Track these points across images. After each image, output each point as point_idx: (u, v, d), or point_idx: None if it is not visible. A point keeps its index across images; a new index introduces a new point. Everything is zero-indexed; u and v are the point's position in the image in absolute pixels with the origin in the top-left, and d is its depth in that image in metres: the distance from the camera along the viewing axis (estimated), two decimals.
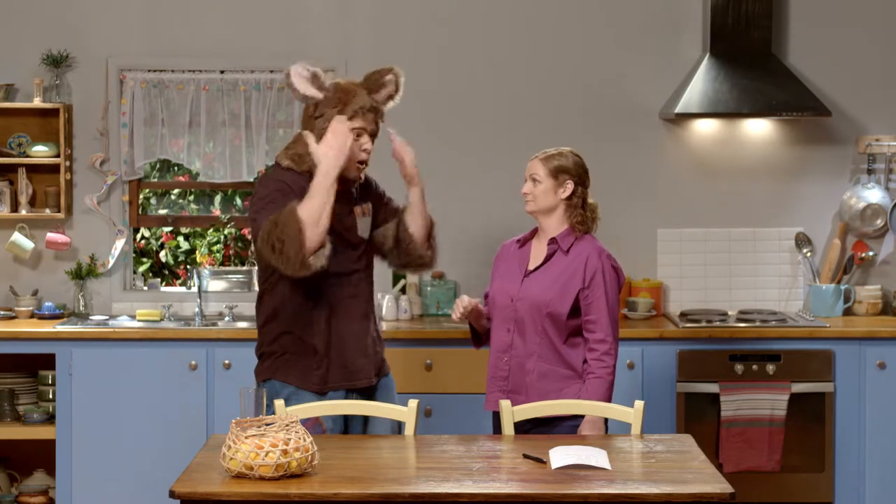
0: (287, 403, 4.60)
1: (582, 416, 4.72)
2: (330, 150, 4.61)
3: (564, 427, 4.75)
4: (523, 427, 4.69)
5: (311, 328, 4.79)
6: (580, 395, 4.78)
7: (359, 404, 4.64)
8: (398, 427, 4.83)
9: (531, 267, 4.91)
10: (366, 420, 4.84)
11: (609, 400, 4.75)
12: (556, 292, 4.81)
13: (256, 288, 5.93)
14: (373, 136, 4.80)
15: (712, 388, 6.14)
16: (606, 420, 4.77)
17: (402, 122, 6.63)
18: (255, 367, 4.91)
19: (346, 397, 4.79)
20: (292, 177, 4.75)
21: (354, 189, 4.87)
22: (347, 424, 4.82)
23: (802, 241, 6.70)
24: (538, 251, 4.94)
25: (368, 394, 4.86)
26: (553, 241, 4.89)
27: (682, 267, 6.76)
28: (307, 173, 4.71)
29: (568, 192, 4.88)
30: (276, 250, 4.54)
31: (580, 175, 4.89)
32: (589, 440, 4.49)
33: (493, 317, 4.94)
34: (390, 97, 4.86)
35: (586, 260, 4.83)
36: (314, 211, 4.54)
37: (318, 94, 4.74)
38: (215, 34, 6.68)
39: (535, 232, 4.99)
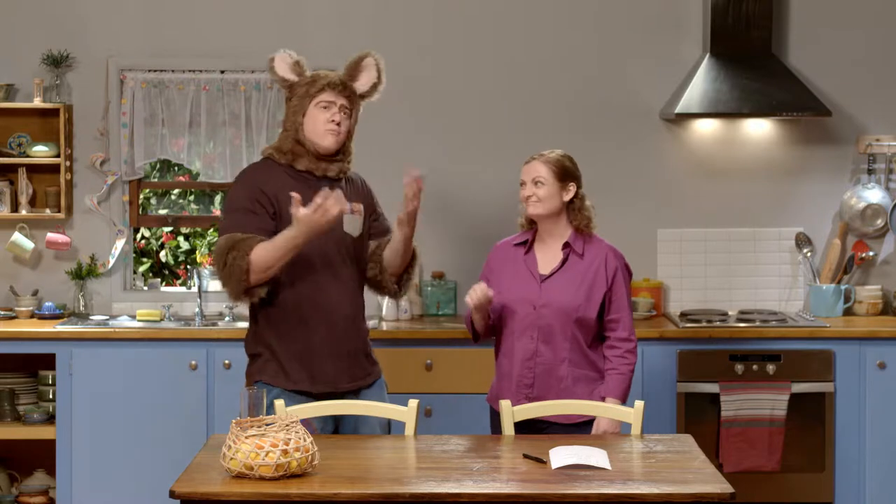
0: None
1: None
2: (311, 220, 4.57)
3: (590, 430, 4.76)
4: (538, 428, 4.71)
5: (283, 332, 4.80)
6: (598, 390, 4.80)
7: (357, 404, 4.64)
8: (387, 427, 4.83)
9: (544, 272, 4.89)
10: (356, 420, 4.83)
11: (627, 396, 4.81)
12: (583, 297, 4.82)
13: None
14: (343, 111, 4.80)
15: (712, 388, 6.14)
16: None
17: (402, 122, 6.66)
18: (246, 369, 4.94)
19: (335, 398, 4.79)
20: (266, 169, 4.80)
21: (341, 185, 4.87)
22: (338, 424, 4.82)
23: (802, 241, 6.70)
24: (547, 255, 4.92)
25: (358, 396, 4.86)
26: (567, 245, 4.89)
27: (682, 267, 6.76)
28: (287, 163, 4.80)
29: (571, 195, 4.89)
30: (220, 274, 4.70)
31: (579, 178, 4.92)
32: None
33: (513, 325, 4.89)
34: (374, 86, 4.88)
35: (605, 261, 4.85)
36: (265, 262, 4.64)
37: (294, 78, 4.79)
38: (215, 34, 6.69)
39: (533, 235, 4.98)
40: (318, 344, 4.79)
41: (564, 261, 4.87)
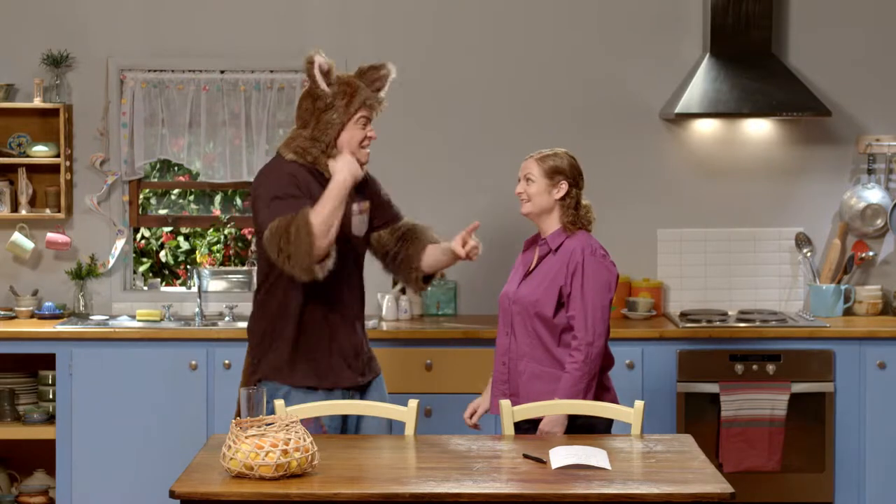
0: (286, 403, 4.61)
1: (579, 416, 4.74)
2: (347, 164, 4.70)
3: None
4: (522, 428, 4.69)
5: (292, 328, 4.81)
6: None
7: (359, 404, 4.65)
8: (390, 426, 4.85)
9: (530, 270, 4.91)
10: (359, 418, 4.85)
11: (581, 396, 4.68)
12: (542, 292, 4.80)
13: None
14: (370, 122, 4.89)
15: (712, 388, 6.14)
16: (613, 421, 4.74)
17: (402, 122, 6.66)
18: (247, 367, 4.92)
19: (343, 396, 4.81)
20: (296, 168, 4.78)
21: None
22: (345, 423, 4.85)
23: (802, 241, 6.70)
24: (537, 253, 4.93)
25: (360, 394, 4.90)
26: (543, 242, 4.88)
27: (682, 267, 6.76)
28: (311, 166, 4.77)
29: (562, 193, 4.85)
30: (283, 255, 4.60)
31: (574, 176, 4.87)
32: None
33: (498, 321, 4.96)
34: (378, 90, 4.91)
35: (570, 257, 4.79)
36: (326, 220, 4.60)
37: (328, 90, 4.78)
38: (215, 34, 6.69)
39: (538, 236, 4.98)
40: (329, 343, 4.81)
41: (541, 258, 4.87)
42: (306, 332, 4.81)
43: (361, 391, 4.90)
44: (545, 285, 4.80)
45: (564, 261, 4.79)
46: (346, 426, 4.85)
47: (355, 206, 4.87)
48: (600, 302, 4.76)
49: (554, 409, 4.66)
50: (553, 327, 4.79)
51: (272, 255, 4.62)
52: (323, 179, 4.78)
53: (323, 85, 4.79)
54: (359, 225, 4.89)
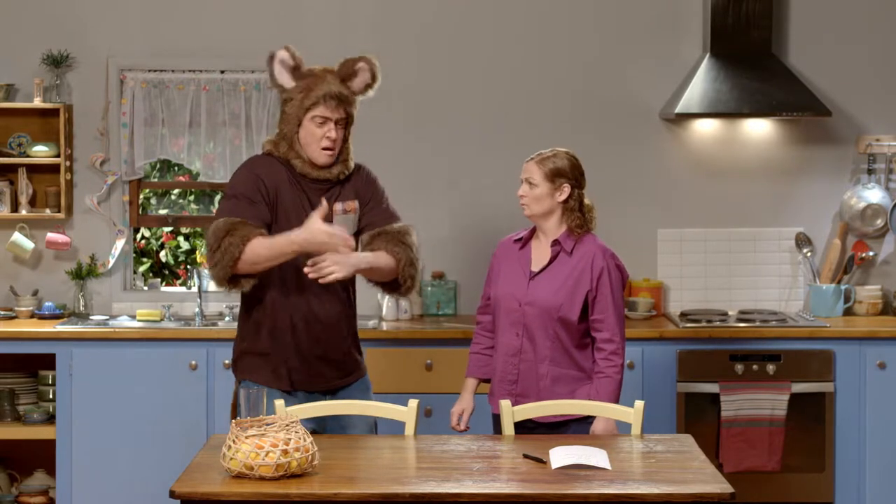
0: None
1: (586, 417, 4.74)
2: (312, 239, 4.57)
3: (572, 429, 4.75)
4: (530, 429, 4.69)
5: (265, 327, 4.79)
6: (591, 395, 4.78)
7: (355, 404, 4.64)
8: (374, 427, 4.84)
9: (535, 269, 4.89)
10: (342, 422, 4.81)
11: (618, 399, 4.77)
12: (566, 296, 4.79)
13: None
14: (340, 123, 4.75)
15: (712, 388, 6.14)
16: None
17: (402, 122, 6.67)
18: (232, 365, 4.93)
19: (311, 398, 4.79)
20: (269, 163, 4.78)
21: (336, 183, 4.82)
22: (322, 424, 4.81)
23: (802, 241, 6.71)
24: (540, 252, 4.91)
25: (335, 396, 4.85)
26: (556, 242, 4.87)
27: (682, 267, 6.76)
28: (284, 159, 4.76)
29: (565, 195, 4.85)
30: (211, 256, 4.65)
31: (576, 177, 4.86)
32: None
33: (500, 319, 4.91)
34: (368, 86, 4.84)
35: (592, 260, 4.81)
36: (257, 257, 4.61)
37: (290, 84, 4.77)
38: (215, 34, 6.69)
39: (533, 231, 4.97)
40: (292, 345, 4.77)
41: (553, 259, 4.87)
42: (266, 332, 4.79)
43: (333, 396, 4.85)
44: (568, 289, 4.81)
45: (586, 265, 4.81)
46: (325, 429, 4.81)
47: (339, 206, 4.79)
48: (622, 304, 4.86)
49: (553, 409, 4.67)
50: (575, 331, 4.81)
51: (206, 250, 4.69)
52: (294, 173, 4.76)
53: (281, 79, 4.77)
54: (341, 225, 4.76)
